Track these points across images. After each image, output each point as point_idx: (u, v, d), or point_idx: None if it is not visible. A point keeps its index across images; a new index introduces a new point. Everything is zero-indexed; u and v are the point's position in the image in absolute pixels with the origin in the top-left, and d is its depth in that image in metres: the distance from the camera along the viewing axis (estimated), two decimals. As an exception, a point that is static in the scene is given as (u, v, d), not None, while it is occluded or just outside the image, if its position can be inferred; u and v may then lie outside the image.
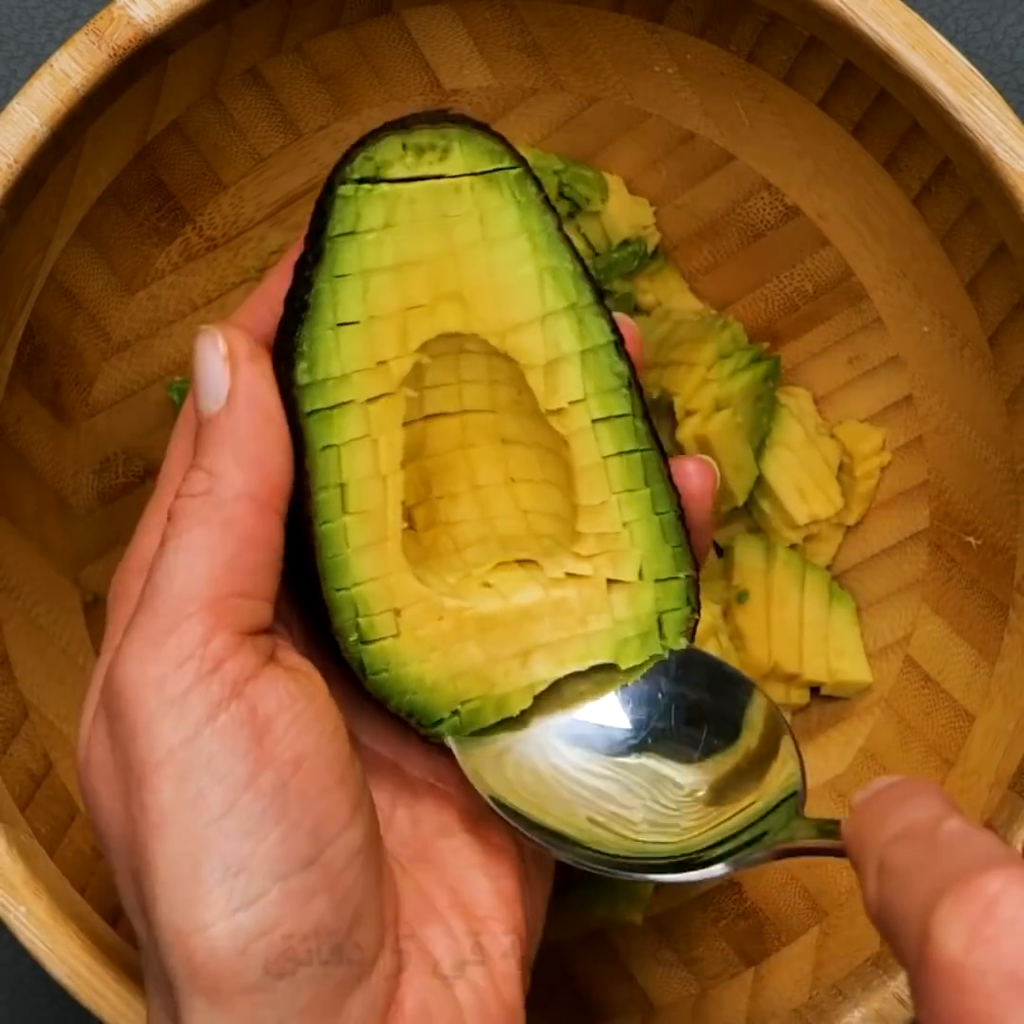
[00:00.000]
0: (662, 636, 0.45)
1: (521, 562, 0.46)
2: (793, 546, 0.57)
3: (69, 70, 0.47)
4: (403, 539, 0.44)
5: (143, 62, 0.48)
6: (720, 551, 0.57)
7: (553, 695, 0.45)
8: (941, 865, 0.33)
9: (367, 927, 0.39)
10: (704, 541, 0.47)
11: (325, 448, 0.42)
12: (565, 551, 0.45)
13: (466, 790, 0.44)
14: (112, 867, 0.40)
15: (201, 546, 0.39)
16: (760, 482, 0.56)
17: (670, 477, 0.45)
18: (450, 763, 0.44)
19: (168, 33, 0.48)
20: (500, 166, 0.43)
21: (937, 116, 0.48)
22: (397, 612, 0.43)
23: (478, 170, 0.43)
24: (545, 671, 0.45)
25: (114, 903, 0.50)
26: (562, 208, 0.56)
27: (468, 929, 0.42)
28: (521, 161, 0.44)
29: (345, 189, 0.43)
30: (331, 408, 0.42)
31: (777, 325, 0.57)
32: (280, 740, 0.38)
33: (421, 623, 0.44)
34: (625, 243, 0.56)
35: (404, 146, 0.43)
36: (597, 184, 0.56)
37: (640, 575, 0.45)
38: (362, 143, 0.43)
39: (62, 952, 0.46)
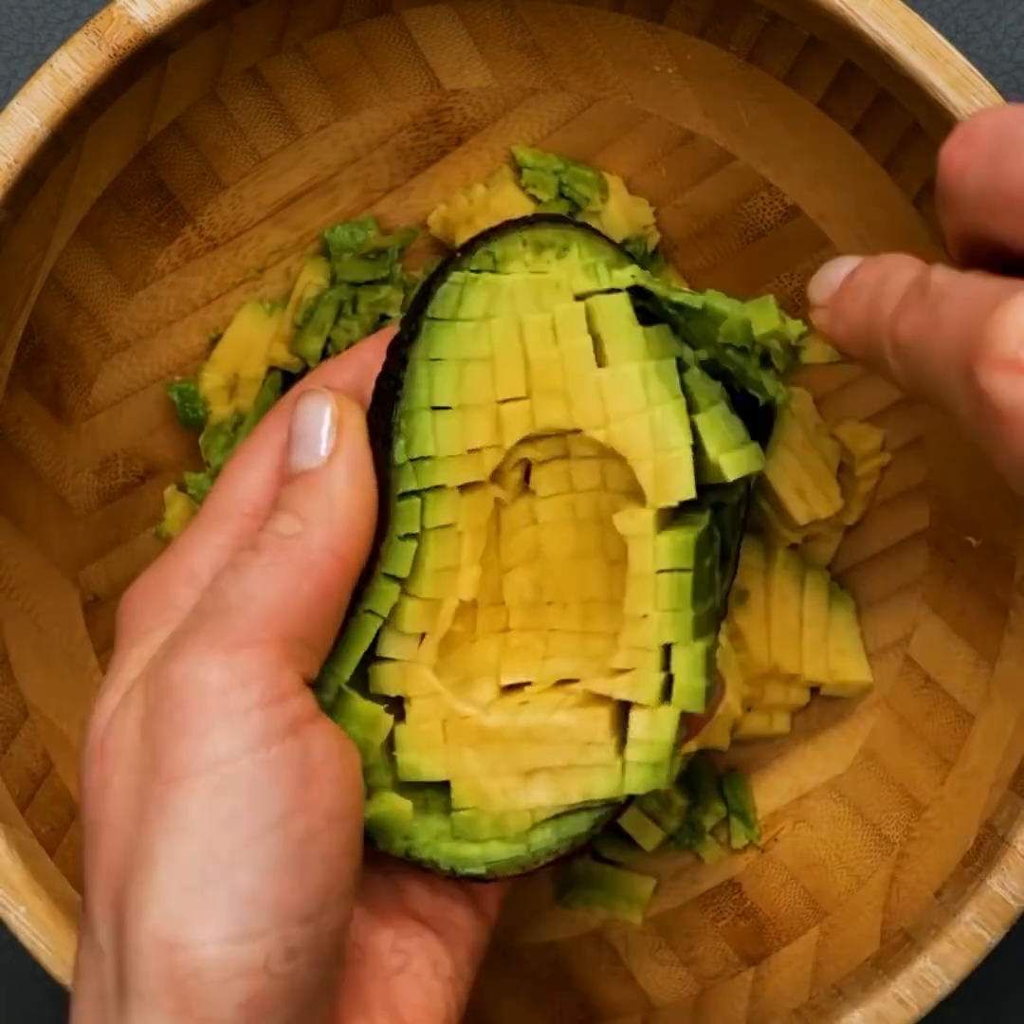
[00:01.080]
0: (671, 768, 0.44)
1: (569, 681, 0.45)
2: (793, 546, 0.57)
3: (69, 70, 0.47)
4: (485, 640, 0.45)
5: (143, 62, 0.48)
6: (720, 551, 0.57)
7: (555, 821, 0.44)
8: (951, 321, 0.34)
9: (327, 1001, 0.39)
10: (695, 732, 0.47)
11: (405, 537, 0.43)
12: (597, 664, 0.44)
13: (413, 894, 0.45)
14: (88, 856, 0.39)
15: (283, 582, 0.40)
16: (760, 482, 0.56)
17: (721, 609, 0.44)
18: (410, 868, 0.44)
19: (168, 33, 0.48)
20: (612, 288, 0.44)
21: (937, 116, 0.48)
22: (408, 700, 0.43)
23: (590, 290, 0.43)
24: (547, 798, 0.44)
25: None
26: (562, 208, 0.56)
27: None
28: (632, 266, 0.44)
29: (458, 276, 0.43)
30: (424, 491, 0.43)
31: (777, 325, 0.57)
32: (322, 791, 0.38)
33: (426, 717, 0.43)
34: (625, 243, 0.56)
35: (524, 242, 0.43)
36: (597, 184, 0.56)
37: (667, 700, 0.44)
38: (485, 237, 0.43)
39: (62, 952, 0.45)
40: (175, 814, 0.37)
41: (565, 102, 0.55)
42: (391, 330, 0.45)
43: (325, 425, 0.43)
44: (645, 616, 0.43)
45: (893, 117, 0.50)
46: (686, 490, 0.43)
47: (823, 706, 0.57)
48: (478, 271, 0.43)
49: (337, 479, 0.42)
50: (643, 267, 0.56)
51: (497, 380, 0.43)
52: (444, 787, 0.44)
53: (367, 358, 0.45)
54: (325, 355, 0.55)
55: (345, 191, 0.56)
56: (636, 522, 0.43)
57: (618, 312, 0.43)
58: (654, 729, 0.43)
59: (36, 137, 0.47)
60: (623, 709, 0.44)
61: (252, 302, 0.56)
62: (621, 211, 0.56)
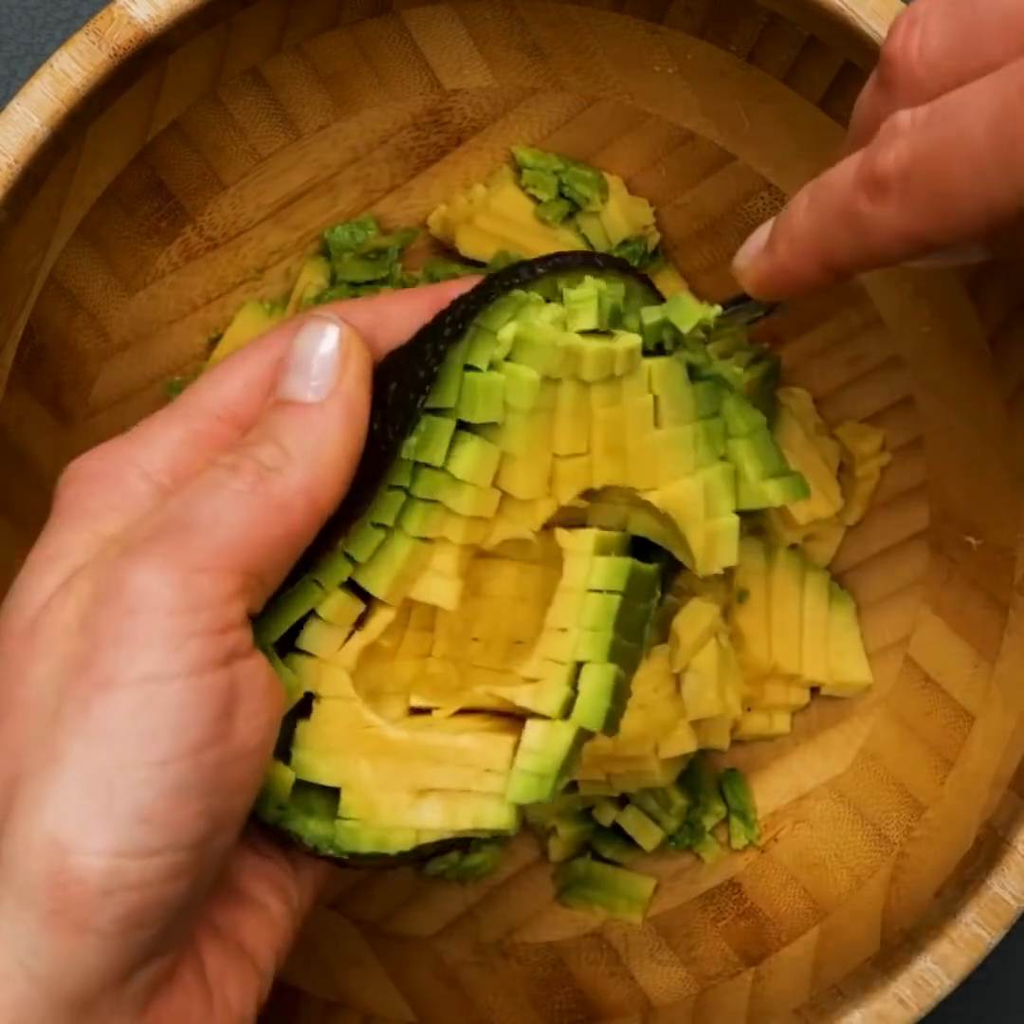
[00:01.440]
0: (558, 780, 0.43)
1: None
2: (793, 546, 0.57)
3: (69, 70, 0.47)
4: (404, 660, 0.44)
5: (143, 62, 0.48)
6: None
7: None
8: (982, 119, 0.34)
9: (191, 918, 0.40)
10: None
11: (377, 526, 0.42)
12: (506, 671, 0.44)
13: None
14: None
15: (256, 514, 0.39)
16: (760, 482, 0.56)
17: (637, 663, 0.44)
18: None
19: (168, 33, 0.48)
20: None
21: (937, 116, 0.48)
22: (318, 698, 0.43)
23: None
24: (435, 821, 0.43)
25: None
26: (562, 208, 0.56)
27: (238, 950, 0.42)
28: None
29: (520, 295, 0.42)
30: (418, 498, 0.42)
31: (777, 325, 0.57)
32: (240, 725, 0.38)
33: (331, 720, 0.43)
34: (625, 243, 0.56)
35: (596, 289, 0.43)
36: (597, 184, 0.56)
37: (566, 715, 0.43)
38: (552, 266, 0.43)
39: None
40: (96, 718, 0.37)
41: (565, 102, 0.55)
42: (422, 289, 0.44)
43: (331, 358, 0.41)
44: (565, 630, 0.43)
45: (893, 117, 0.50)
46: (730, 557, 0.44)
47: (823, 706, 0.57)
48: (540, 294, 0.43)
49: (332, 422, 0.41)
50: (642, 267, 0.57)
51: (557, 434, 0.43)
52: (333, 792, 0.43)
53: (389, 311, 0.44)
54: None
55: (345, 191, 0.56)
56: (578, 540, 0.44)
57: (673, 373, 0.43)
58: (548, 741, 0.43)
59: (36, 137, 0.47)
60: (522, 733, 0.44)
61: (252, 302, 0.56)
62: (621, 211, 0.56)
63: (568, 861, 0.57)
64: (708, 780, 0.57)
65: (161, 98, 0.51)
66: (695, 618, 0.53)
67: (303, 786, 0.43)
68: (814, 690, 0.57)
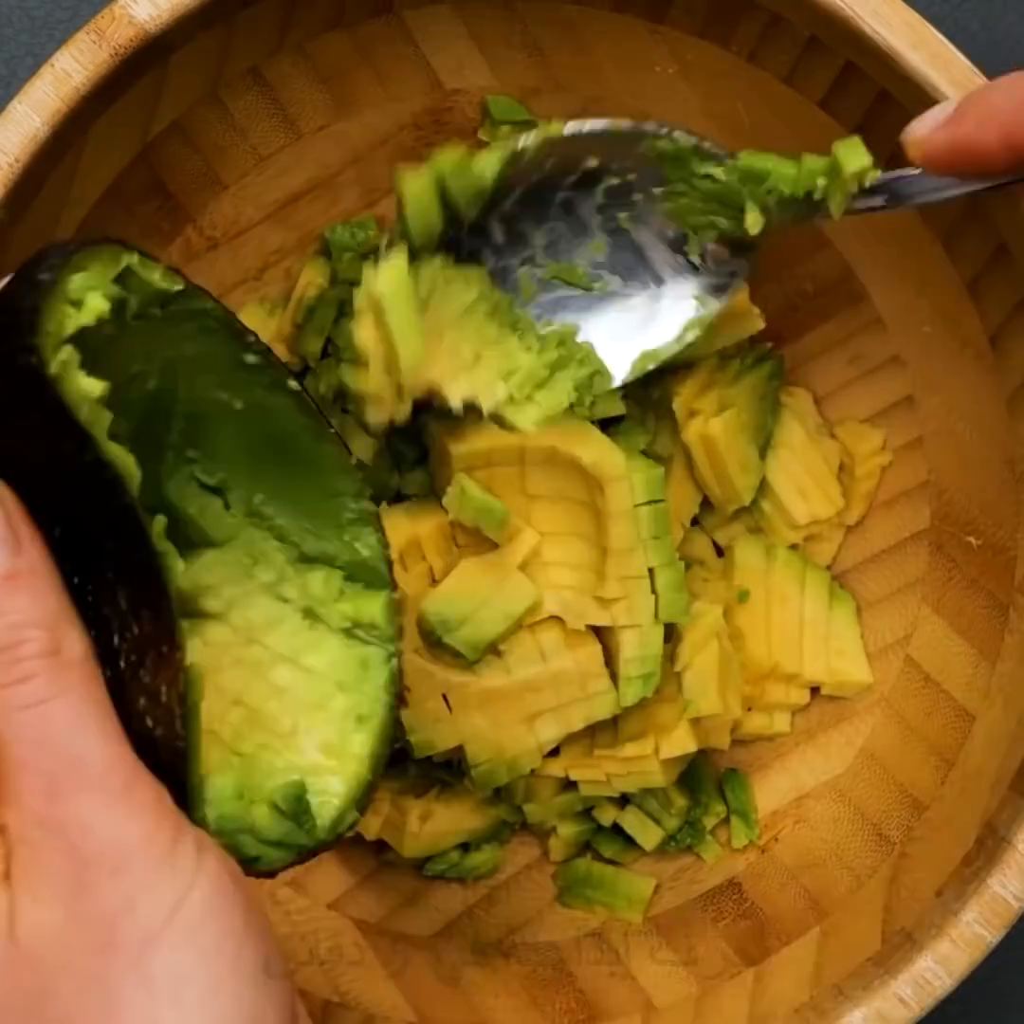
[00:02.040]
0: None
1: (547, 620, 0.49)
2: (794, 546, 0.57)
3: (70, 69, 0.47)
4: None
5: (144, 62, 0.48)
6: (721, 551, 0.57)
7: None
8: None
9: None
10: None
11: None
12: (587, 599, 0.48)
13: None
14: None
15: (98, 699, 0.37)
16: (761, 482, 0.56)
17: None
18: None
19: (169, 33, 0.48)
20: None
21: (938, 116, 0.48)
22: (407, 688, 0.46)
23: None
24: (552, 732, 0.49)
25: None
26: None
27: None
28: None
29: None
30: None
31: (778, 325, 0.57)
32: (244, 879, 0.37)
33: (427, 697, 0.47)
34: (625, 243, 0.56)
35: None
36: (597, 184, 0.56)
37: (655, 617, 0.49)
38: None
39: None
40: (165, 975, 0.35)
41: (565, 102, 0.55)
42: None
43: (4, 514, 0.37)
44: (632, 549, 0.48)
45: (894, 117, 0.50)
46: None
47: (823, 706, 0.57)
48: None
49: (43, 567, 0.37)
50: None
51: None
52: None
53: None
54: (325, 355, 0.56)
55: (345, 191, 0.56)
56: (609, 465, 0.48)
57: None
58: (644, 645, 0.48)
59: (37, 136, 0.47)
60: (607, 636, 0.49)
61: (252, 302, 0.56)
62: (621, 211, 0.56)
63: (568, 861, 0.57)
64: (708, 780, 0.57)
65: (162, 98, 0.51)
66: (697, 619, 0.53)
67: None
68: (814, 690, 0.57)
